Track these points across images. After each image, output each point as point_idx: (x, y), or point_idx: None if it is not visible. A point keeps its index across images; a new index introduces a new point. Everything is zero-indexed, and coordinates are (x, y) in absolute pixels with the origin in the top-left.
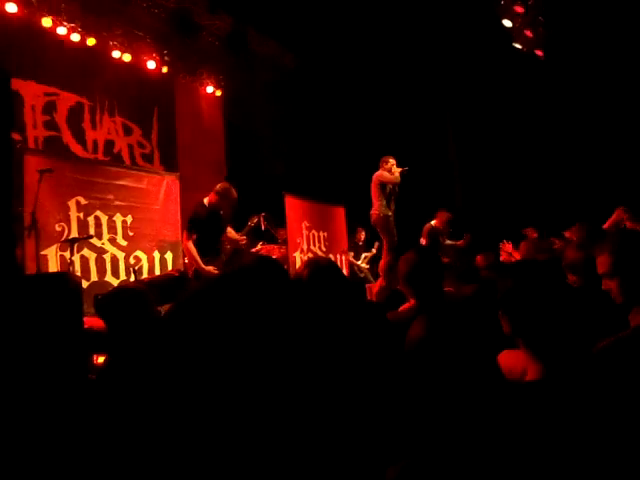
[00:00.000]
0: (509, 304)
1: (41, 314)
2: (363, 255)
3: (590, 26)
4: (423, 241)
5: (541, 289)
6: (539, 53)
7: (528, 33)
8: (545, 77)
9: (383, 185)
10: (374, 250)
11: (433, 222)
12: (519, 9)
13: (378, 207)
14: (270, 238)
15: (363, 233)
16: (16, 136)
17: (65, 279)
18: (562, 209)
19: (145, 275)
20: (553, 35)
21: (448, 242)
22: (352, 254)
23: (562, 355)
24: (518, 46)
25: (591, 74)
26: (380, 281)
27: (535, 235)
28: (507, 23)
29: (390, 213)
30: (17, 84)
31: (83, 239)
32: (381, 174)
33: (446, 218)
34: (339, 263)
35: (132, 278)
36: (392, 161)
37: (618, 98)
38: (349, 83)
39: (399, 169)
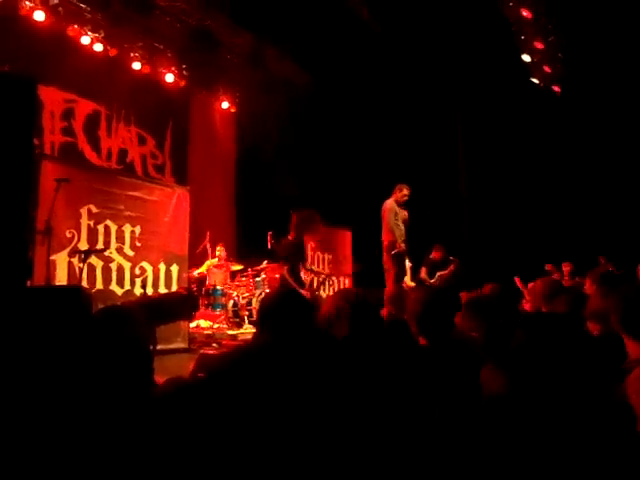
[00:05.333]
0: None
1: (51, 327)
2: (437, 274)
3: (609, 65)
4: (423, 272)
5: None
6: (556, 89)
7: (546, 69)
8: (561, 113)
9: (395, 213)
10: (452, 267)
11: (431, 255)
12: (539, 45)
13: (389, 234)
14: (275, 257)
15: (440, 251)
16: (35, 141)
17: (77, 293)
18: (571, 242)
19: (150, 286)
20: (571, 72)
21: (440, 273)
22: (425, 270)
23: None
24: (535, 81)
25: (606, 112)
26: (384, 310)
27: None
28: (526, 58)
29: (401, 241)
30: (39, 89)
31: (96, 251)
32: (391, 207)
33: (442, 253)
34: (342, 286)
35: (138, 291)
36: (406, 191)
37: (632, 139)
38: (362, 108)
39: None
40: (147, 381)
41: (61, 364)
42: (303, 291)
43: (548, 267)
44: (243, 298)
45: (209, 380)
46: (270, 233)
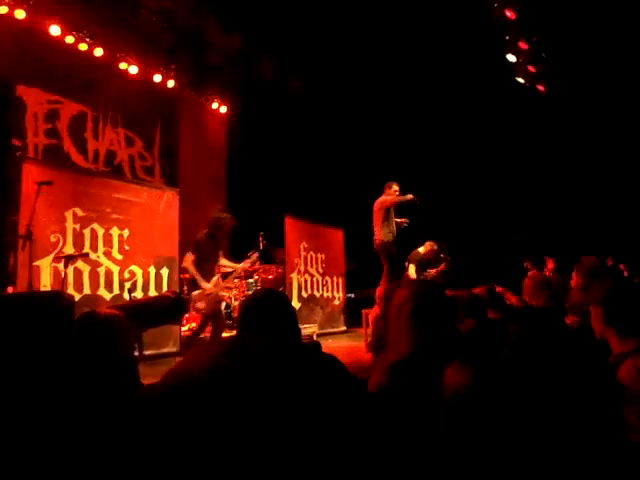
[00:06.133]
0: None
1: (30, 334)
2: (428, 271)
3: (592, 64)
4: (412, 269)
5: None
6: (541, 88)
7: (531, 68)
8: (546, 111)
9: (387, 211)
10: (442, 266)
11: (421, 250)
12: (523, 45)
13: (381, 233)
14: (268, 258)
15: (432, 248)
16: (16, 142)
17: (58, 298)
18: (558, 239)
19: (139, 290)
20: (555, 71)
21: (431, 272)
22: (414, 267)
23: None
24: (521, 80)
25: (590, 110)
26: (376, 308)
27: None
28: (511, 58)
29: (392, 241)
30: (21, 90)
31: (79, 256)
32: (384, 199)
33: (433, 247)
34: (335, 286)
35: (127, 296)
36: (395, 187)
37: (616, 136)
38: (352, 108)
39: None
40: (129, 386)
41: (38, 370)
42: (206, 286)
43: (527, 265)
44: (235, 300)
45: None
46: (262, 234)
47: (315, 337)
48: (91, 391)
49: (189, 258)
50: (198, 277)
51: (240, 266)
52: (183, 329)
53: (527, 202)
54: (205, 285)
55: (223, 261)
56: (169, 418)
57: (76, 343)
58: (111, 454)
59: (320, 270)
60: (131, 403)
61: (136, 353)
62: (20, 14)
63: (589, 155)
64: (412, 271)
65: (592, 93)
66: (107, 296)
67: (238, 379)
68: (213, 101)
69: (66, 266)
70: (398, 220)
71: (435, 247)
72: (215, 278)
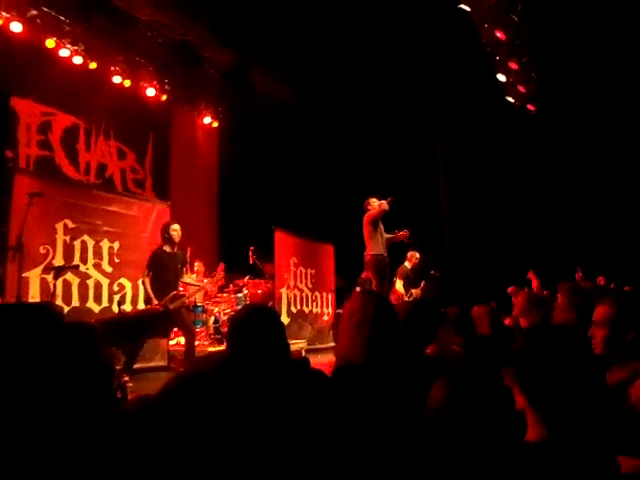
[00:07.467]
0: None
1: (18, 346)
2: (412, 290)
3: (582, 84)
4: (400, 284)
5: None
6: (531, 107)
7: (521, 88)
8: (535, 131)
9: (375, 225)
10: (422, 284)
11: (407, 264)
12: (514, 65)
13: (371, 248)
14: (257, 272)
15: (417, 261)
16: (8, 153)
17: (47, 310)
18: (549, 257)
19: (128, 303)
20: (545, 91)
21: (415, 291)
22: (402, 283)
23: (566, 418)
24: (511, 100)
25: (578, 129)
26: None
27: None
28: (501, 78)
29: (384, 254)
30: (14, 101)
31: (69, 268)
32: (369, 214)
33: (416, 256)
34: (325, 302)
35: (116, 309)
36: (374, 199)
37: (604, 155)
38: (344, 124)
39: (384, 200)
40: (106, 397)
41: (24, 378)
42: (155, 303)
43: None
44: (224, 314)
45: (173, 396)
46: (252, 249)
47: (304, 353)
48: (72, 397)
49: (147, 276)
50: (150, 292)
51: (204, 284)
52: (171, 343)
53: (517, 220)
54: (155, 302)
55: (187, 278)
56: (164, 429)
57: (57, 351)
58: (93, 458)
59: (310, 285)
60: (119, 414)
61: (119, 367)
62: (16, 27)
63: (578, 172)
64: (399, 286)
65: (582, 113)
66: (96, 309)
67: (225, 398)
68: (205, 116)
69: (55, 278)
70: (400, 234)
71: (418, 255)
72: (172, 294)
